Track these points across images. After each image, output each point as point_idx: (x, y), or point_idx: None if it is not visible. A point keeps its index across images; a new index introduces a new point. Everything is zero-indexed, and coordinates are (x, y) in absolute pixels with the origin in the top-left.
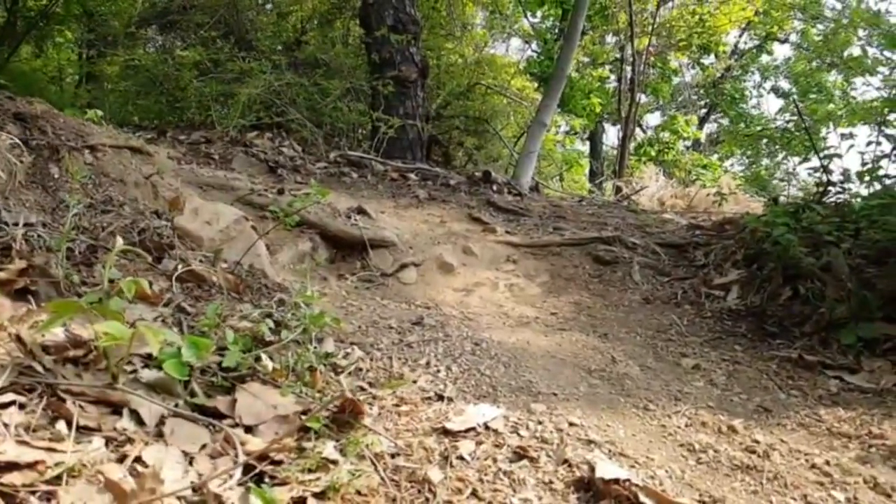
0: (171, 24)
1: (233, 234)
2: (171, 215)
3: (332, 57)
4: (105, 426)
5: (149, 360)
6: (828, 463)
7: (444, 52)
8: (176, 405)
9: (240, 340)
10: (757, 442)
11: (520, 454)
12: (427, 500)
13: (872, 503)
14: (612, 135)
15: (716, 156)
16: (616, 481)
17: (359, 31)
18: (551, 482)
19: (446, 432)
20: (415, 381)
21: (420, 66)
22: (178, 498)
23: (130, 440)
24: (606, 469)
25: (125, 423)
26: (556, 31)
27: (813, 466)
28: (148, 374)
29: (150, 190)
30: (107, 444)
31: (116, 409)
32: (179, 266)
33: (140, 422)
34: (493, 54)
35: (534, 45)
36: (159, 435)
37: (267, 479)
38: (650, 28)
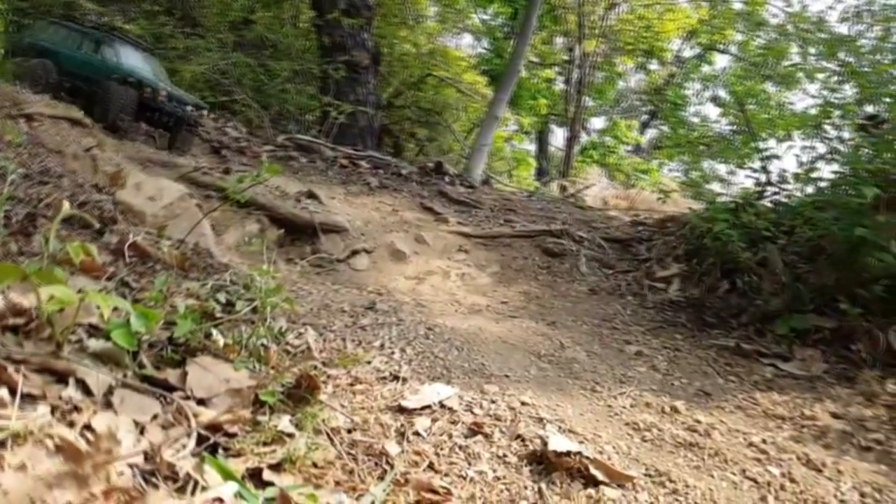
0: None
1: (177, 211)
2: (112, 189)
3: (281, 38)
4: (50, 394)
5: (95, 330)
6: (764, 441)
7: (396, 40)
8: (124, 376)
9: (189, 315)
10: (698, 422)
11: (474, 430)
12: (384, 472)
13: (805, 477)
14: (559, 136)
15: (656, 161)
16: (568, 454)
17: (309, 13)
18: (505, 456)
19: (402, 410)
20: (369, 362)
21: (372, 52)
22: (130, 465)
23: (78, 409)
24: (558, 443)
25: (71, 392)
26: (507, 29)
27: (750, 444)
28: (94, 344)
29: (90, 163)
30: (53, 412)
31: (62, 378)
32: (125, 240)
33: (87, 391)
34: (445, 46)
35: (484, 43)
36: (108, 405)
37: (221, 451)
38: (598, 31)
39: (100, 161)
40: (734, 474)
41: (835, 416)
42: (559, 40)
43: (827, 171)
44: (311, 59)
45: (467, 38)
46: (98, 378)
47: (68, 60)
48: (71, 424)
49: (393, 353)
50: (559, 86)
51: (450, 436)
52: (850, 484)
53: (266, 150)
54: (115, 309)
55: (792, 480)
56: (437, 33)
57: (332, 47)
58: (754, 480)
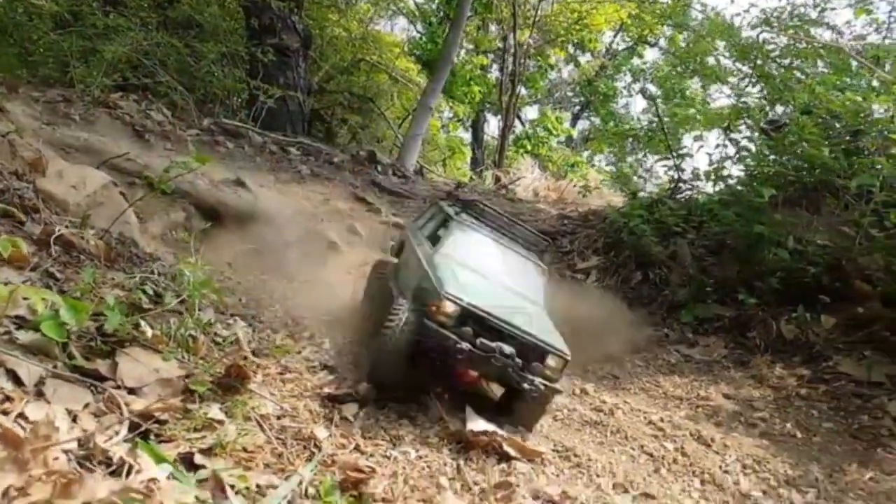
0: None
1: (100, 199)
2: (32, 177)
3: (207, 18)
4: None
5: (23, 322)
6: (662, 420)
7: (327, 24)
8: (55, 367)
9: (118, 307)
10: (604, 402)
11: (400, 414)
12: (312, 454)
13: (695, 451)
14: (493, 125)
15: (586, 153)
16: (484, 433)
17: None
18: (427, 437)
19: (332, 398)
20: (299, 352)
21: (302, 35)
22: (65, 452)
23: (10, 398)
24: (475, 423)
25: (2, 382)
26: (441, 14)
27: (649, 422)
28: (24, 336)
29: (8, 149)
30: None
31: None
32: (50, 231)
33: (18, 382)
34: (378, 31)
35: (418, 26)
36: (39, 394)
37: (153, 437)
38: (531, 21)
39: (18, 147)
40: (633, 449)
41: (727, 396)
42: (493, 27)
43: (735, 170)
44: (239, 42)
45: (401, 21)
46: (29, 369)
47: None
48: (5, 413)
49: (323, 343)
50: (493, 73)
51: (376, 420)
52: (734, 456)
53: (191, 134)
54: (44, 300)
55: (683, 454)
56: (370, 16)
57: (261, 30)
58: (650, 454)
